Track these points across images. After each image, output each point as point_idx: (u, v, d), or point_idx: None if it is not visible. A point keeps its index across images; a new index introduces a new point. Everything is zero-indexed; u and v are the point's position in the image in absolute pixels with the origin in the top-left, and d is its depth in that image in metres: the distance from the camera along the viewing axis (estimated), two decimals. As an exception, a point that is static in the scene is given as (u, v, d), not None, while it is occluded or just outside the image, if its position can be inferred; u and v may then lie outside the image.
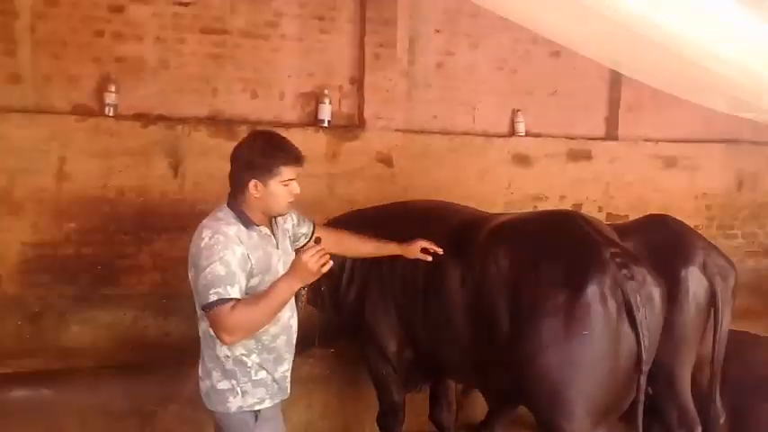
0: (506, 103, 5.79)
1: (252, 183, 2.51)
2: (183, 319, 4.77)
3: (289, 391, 2.74)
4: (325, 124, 5.21)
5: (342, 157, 5.22)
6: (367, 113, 5.31)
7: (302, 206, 4.74)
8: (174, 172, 4.85)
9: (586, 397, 2.79)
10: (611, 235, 3.03)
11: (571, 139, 5.87)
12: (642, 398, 2.91)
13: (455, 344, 3.29)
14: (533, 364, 2.84)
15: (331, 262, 2.40)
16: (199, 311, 2.52)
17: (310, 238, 2.94)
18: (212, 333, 2.48)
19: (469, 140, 5.54)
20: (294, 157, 2.56)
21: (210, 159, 4.82)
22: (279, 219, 2.73)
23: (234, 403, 2.55)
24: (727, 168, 6.43)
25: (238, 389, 2.54)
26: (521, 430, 4.58)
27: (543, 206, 5.61)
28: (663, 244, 3.46)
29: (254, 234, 2.56)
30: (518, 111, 5.79)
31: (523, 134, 5.77)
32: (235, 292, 2.39)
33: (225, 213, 2.56)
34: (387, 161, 5.35)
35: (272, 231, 2.66)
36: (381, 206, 4.06)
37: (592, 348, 2.76)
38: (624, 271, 2.79)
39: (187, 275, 2.52)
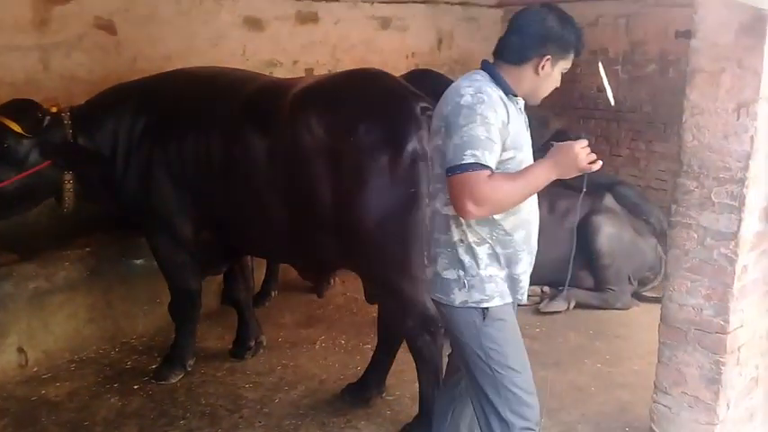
0: (230, -40, 5.35)
1: (546, 58, 2.14)
2: None
3: (522, 298, 2.36)
4: (25, -17, 4.24)
5: (54, 24, 4.33)
6: (76, -31, 4.44)
7: (12, 87, 3.99)
8: None
9: (419, 250, 2.88)
10: (413, 89, 3.11)
11: (298, 0, 5.72)
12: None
13: (265, 221, 3.16)
14: (364, 227, 2.87)
15: (600, 162, 2.12)
16: (432, 187, 2.28)
17: None
18: (447, 212, 2.20)
19: (198, 1, 5.04)
20: (583, 47, 2.26)
21: None
22: None
23: (458, 296, 2.23)
24: (428, 28, 6.93)
25: (464, 280, 2.22)
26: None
27: (278, 72, 5.46)
28: (434, 95, 3.68)
29: (513, 105, 2.16)
30: (242, -31, 5.39)
31: (251, -5, 5.43)
32: (492, 160, 2.07)
33: (483, 75, 2.22)
34: (109, 28, 4.61)
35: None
36: (156, 76, 3.56)
37: (420, 204, 2.82)
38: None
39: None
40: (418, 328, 2.99)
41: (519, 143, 2.21)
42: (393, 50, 6.49)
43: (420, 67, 4.62)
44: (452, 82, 3.92)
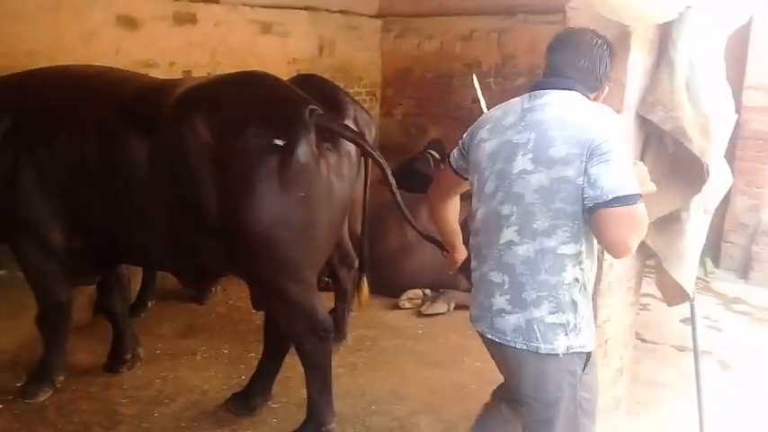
0: (103, -44, 5.11)
1: (606, 90, 2.22)
2: None
3: None
4: None
5: None
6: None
7: None
8: None
9: (310, 254, 2.92)
10: (301, 92, 3.10)
11: (175, 0, 5.56)
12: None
13: (146, 227, 3.03)
14: (255, 232, 2.81)
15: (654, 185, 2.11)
16: (545, 223, 1.98)
17: None
18: (564, 251, 1.99)
19: (69, -3, 4.79)
20: None
21: None
22: None
23: (563, 342, 2.03)
24: (310, 35, 6.96)
25: (574, 323, 2.04)
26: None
27: (154, 73, 5.26)
28: (319, 100, 3.67)
29: None
30: (116, -34, 5.17)
31: (125, -8, 5.22)
32: None
33: (582, 97, 2.11)
34: (-35, 20, 4.28)
35: None
36: (24, 73, 3.32)
37: (310, 208, 2.84)
38: (326, 125, 2.93)
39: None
40: (308, 333, 2.98)
41: None
42: (274, 55, 6.47)
43: (305, 72, 4.65)
44: (337, 87, 4.02)
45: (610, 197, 1.89)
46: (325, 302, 3.29)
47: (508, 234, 2.03)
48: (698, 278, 3.06)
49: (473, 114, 7.60)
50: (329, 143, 2.93)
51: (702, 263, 5.20)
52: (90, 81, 3.21)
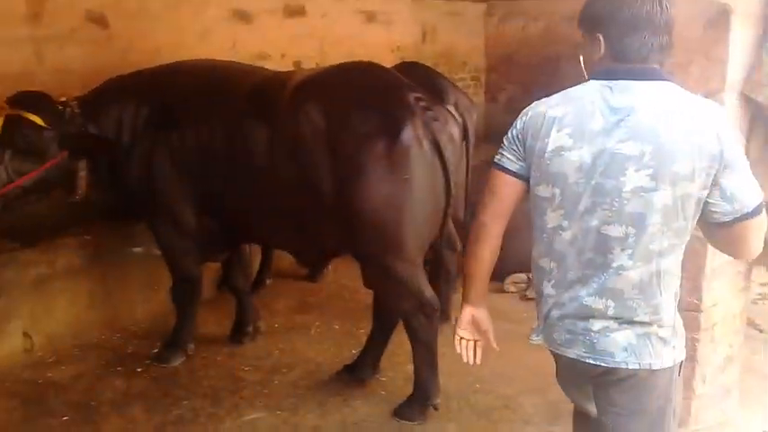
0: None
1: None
2: None
3: None
4: (19, -24, 4.28)
5: (47, 17, 4.38)
6: (68, -39, 4.49)
7: (7, 80, 4.04)
8: None
9: (414, 235, 3.06)
10: (407, 80, 3.24)
11: (285, -8, 5.82)
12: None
13: (267, 208, 3.28)
14: (363, 213, 2.98)
15: None
16: (662, 243, 1.75)
17: None
18: (677, 271, 1.84)
19: (187, -5, 5.12)
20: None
21: None
22: None
23: (670, 356, 1.87)
24: (413, 22, 7.07)
25: (676, 336, 1.89)
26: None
27: (267, 65, 5.52)
28: (422, 87, 3.73)
29: None
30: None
31: (239, -12, 5.51)
32: None
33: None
34: (100, 21, 4.67)
35: None
36: (157, 68, 3.65)
37: (415, 190, 2.98)
38: (429, 113, 3.05)
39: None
40: (415, 310, 3.13)
41: None
42: (378, 44, 6.62)
43: (408, 60, 4.79)
44: (439, 74, 4.12)
45: (751, 209, 1.75)
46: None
47: (620, 259, 1.78)
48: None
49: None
50: (433, 128, 3.05)
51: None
52: (216, 74, 3.50)
